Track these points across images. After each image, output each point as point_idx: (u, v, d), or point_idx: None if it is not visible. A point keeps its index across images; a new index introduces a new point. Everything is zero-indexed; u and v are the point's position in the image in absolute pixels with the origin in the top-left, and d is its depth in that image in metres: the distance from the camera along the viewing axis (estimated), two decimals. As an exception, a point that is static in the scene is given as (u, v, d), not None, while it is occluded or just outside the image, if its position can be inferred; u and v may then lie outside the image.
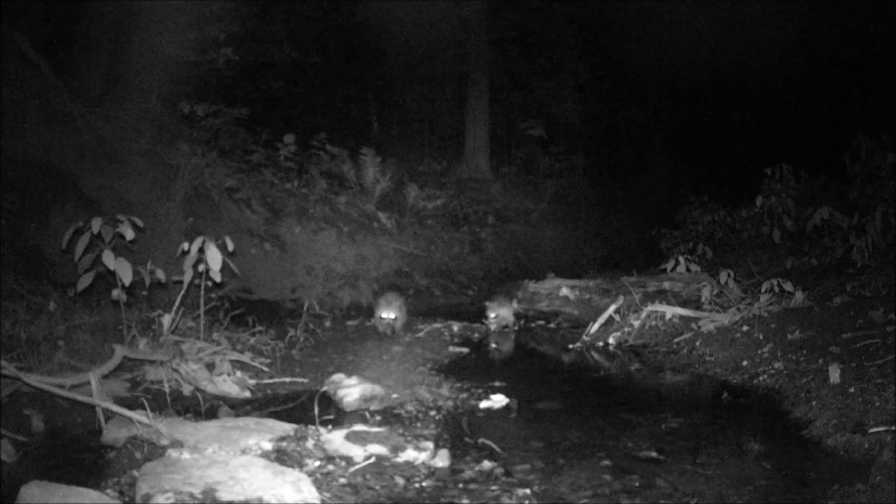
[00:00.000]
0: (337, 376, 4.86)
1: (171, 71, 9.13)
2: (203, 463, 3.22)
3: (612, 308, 6.96)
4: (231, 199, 8.66)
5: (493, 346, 6.69)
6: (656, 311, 6.69)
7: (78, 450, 3.64)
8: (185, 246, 4.96)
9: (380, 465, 3.46)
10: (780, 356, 5.20)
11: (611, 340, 6.51)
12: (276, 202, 9.27)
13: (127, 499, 3.00)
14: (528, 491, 3.19)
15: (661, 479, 3.33)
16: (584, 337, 6.71)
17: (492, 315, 7.27)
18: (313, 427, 3.93)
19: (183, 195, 7.89)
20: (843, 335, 5.25)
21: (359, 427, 3.91)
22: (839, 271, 7.41)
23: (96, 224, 4.52)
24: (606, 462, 3.55)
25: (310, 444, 3.72)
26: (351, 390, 4.55)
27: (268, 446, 3.63)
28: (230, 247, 5.05)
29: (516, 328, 7.49)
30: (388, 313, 6.53)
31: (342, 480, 3.30)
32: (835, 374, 4.43)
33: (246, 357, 5.18)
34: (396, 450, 3.57)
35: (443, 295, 9.57)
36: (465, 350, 6.31)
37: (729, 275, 6.61)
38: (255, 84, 12.05)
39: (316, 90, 13.74)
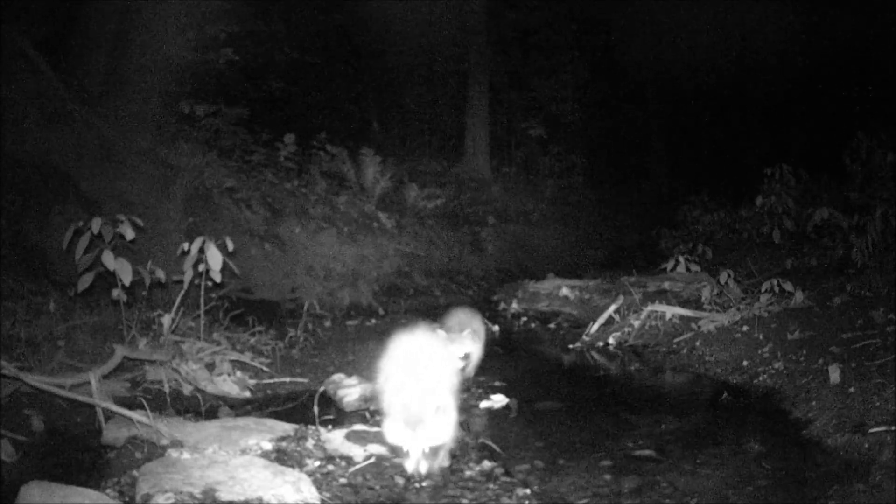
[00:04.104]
0: (337, 376, 4.86)
1: (171, 71, 9.12)
2: (203, 463, 3.22)
3: (612, 308, 6.96)
4: (231, 199, 8.65)
5: (494, 346, 6.68)
6: (656, 311, 6.69)
7: (78, 450, 3.64)
8: (185, 246, 4.96)
9: (380, 465, 3.46)
10: (780, 356, 5.20)
11: (611, 340, 6.50)
12: (276, 202, 9.27)
13: (127, 499, 3.00)
14: (528, 491, 3.19)
15: (661, 479, 3.33)
16: (584, 337, 6.70)
17: (461, 352, 4.67)
18: (313, 427, 3.93)
19: (183, 195, 7.88)
20: (843, 335, 5.24)
21: (359, 427, 3.91)
22: (839, 271, 7.41)
23: (96, 224, 4.52)
24: (606, 462, 3.55)
25: (310, 444, 3.72)
26: (351, 390, 4.55)
27: (268, 446, 3.63)
28: (230, 247, 5.05)
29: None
30: None
31: (342, 480, 3.30)
32: (835, 374, 4.43)
33: (246, 357, 5.18)
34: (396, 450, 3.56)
35: (443, 295, 9.56)
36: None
37: (729, 275, 6.60)
38: (255, 84, 12.05)
39: (316, 90, 13.74)
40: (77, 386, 3.94)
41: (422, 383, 3.20)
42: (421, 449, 3.17)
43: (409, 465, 3.21)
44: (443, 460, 3.34)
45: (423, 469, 3.20)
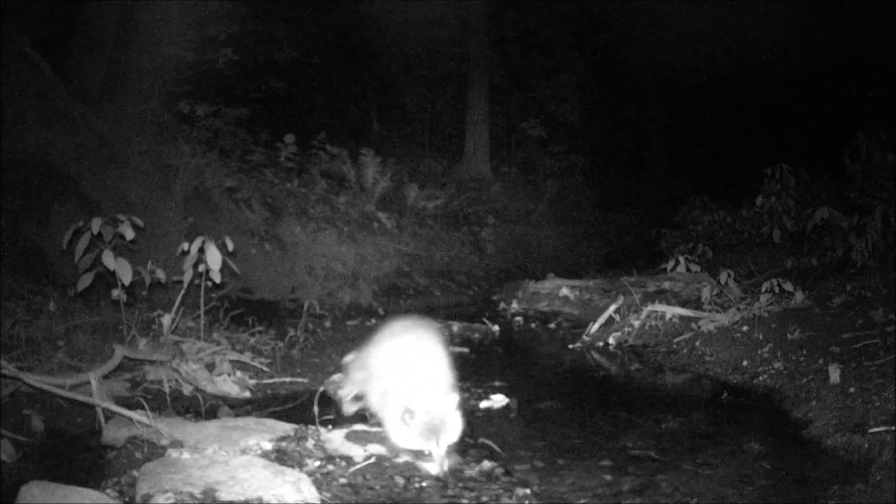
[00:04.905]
0: (337, 376, 4.86)
1: (171, 71, 9.13)
2: (203, 463, 3.22)
3: (612, 308, 6.96)
4: (231, 199, 8.65)
5: (494, 346, 6.68)
6: (656, 311, 6.69)
7: (78, 450, 3.64)
8: (185, 246, 4.96)
9: (380, 465, 3.46)
10: (780, 356, 5.20)
11: (611, 340, 6.51)
12: (276, 202, 9.27)
13: (127, 499, 3.00)
14: (528, 491, 3.19)
15: (661, 479, 3.33)
16: (584, 337, 6.70)
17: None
18: (313, 427, 3.92)
19: (183, 195, 7.88)
20: (843, 335, 5.24)
21: (359, 427, 3.91)
22: (839, 271, 7.41)
23: (96, 224, 4.52)
24: (606, 462, 3.55)
25: (310, 444, 3.71)
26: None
27: (268, 446, 3.63)
28: (230, 247, 5.04)
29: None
30: None
31: (342, 480, 3.30)
32: (835, 374, 4.43)
33: (246, 357, 5.18)
34: (396, 450, 3.57)
35: (443, 295, 9.57)
36: (465, 350, 6.30)
37: (729, 275, 6.61)
38: (255, 84, 12.06)
39: (316, 90, 13.75)
40: (77, 386, 3.94)
41: (426, 383, 3.34)
42: (444, 450, 3.27)
43: (434, 468, 3.28)
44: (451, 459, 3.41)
45: (446, 467, 3.28)
